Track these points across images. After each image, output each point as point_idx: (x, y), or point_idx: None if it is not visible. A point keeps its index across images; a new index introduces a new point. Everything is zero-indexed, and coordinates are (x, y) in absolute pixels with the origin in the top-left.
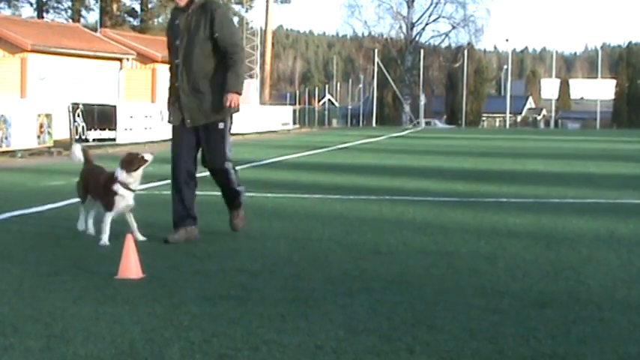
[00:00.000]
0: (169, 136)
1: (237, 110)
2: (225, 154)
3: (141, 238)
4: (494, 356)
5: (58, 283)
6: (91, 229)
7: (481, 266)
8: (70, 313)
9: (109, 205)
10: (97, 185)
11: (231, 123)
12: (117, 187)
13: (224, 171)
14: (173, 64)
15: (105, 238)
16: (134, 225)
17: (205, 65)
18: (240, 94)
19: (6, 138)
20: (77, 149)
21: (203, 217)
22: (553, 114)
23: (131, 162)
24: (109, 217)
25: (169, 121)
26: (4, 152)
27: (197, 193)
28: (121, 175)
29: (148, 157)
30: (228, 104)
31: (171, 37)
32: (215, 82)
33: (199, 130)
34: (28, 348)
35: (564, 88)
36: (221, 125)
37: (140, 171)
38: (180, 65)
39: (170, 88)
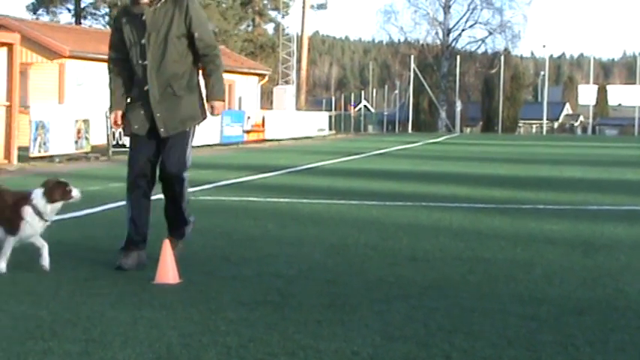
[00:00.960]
0: (204, 141)
1: (205, 117)
2: (185, 160)
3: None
4: None
5: (96, 287)
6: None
7: (518, 273)
8: (108, 317)
9: (12, 230)
10: (3, 206)
11: (194, 131)
12: (26, 212)
13: (181, 180)
14: (135, 64)
15: (2, 265)
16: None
17: (180, 66)
18: (223, 100)
19: (44, 143)
20: None
21: (239, 223)
22: (590, 120)
23: (55, 191)
24: (10, 242)
25: (133, 130)
26: (42, 157)
27: (234, 199)
28: (38, 200)
29: (76, 194)
30: (215, 113)
31: (133, 35)
32: (189, 84)
33: (162, 139)
34: (67, 352)
35: (602, 94)
36: (188, 128)
37: (60, 204)
38: (149, 67)
39: (115, 90)
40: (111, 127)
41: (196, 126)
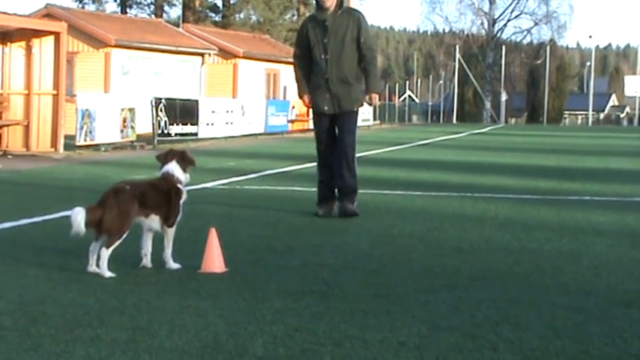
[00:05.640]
0: (249, 131)
1: (363, 103)
2: (355, 134)
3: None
4: (579, 355)
5: (143, 276)
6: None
7: (565, 264)
8: (154, 305)
9: (173, 219)
10: (156, 196)
11: (358, 114)
12: (183, 192)
13: (352, 148)
14: (318, 58)
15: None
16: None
17: (352, 61)
18: (379, 93)
19: (90, 132)
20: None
21: (285, 212)
22: (637, 112)
23: (189, 157)
24: (172, 236)
25: (316, 107)
26: (88, 146)
27: (279, 188)
28: (181, 174)
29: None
30: (373, 102)
31: (317, 36)
32: (357, 75)
33: (339, 115)
34: (115, 339)
35: None
36: (355, 108)
37: None
38: (330, 61)
39: (302, 79)
40: (156, 116)
41: (359, 109)
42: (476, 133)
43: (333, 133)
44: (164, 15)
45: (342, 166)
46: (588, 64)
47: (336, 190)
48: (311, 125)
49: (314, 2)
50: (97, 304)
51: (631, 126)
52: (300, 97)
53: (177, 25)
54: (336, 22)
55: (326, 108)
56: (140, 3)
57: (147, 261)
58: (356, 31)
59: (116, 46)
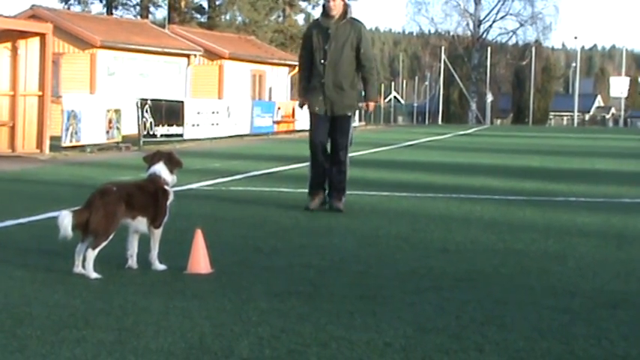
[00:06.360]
0: (235, 132)
1: (358, 109)
2: (349, 137)
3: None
4: (565, 356)
5: (128, 277)
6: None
7: (550, 265)
8: (140, 306)
9: (160, 220)
10: (143, 197)
11: (354, 118)
12: (170, 193)
13: (345, 150)
14: (318, 63)
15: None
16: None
17: (349, 69)
18: (376, 101)
19: (76, 133)
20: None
21: (270, 213)
22: (622, 112)
23: (176, 159)
24: (158, 237)
25: (313, 110)
26: (74, 147)
27: (264, 189)
28: (168, 175)
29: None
30: (371, 110)
31: (319, 42)
32: (352, 82)
33: (334, 118)
34: (100, 341)
35: (634, 86)
36: (349, 113)
37: None
38: (327, 66)
39: (302, 81)
40: (141, 117)
41: (355, 113)
42: (461, 134)
43: (326, 134)
44: (149, 16)
45: (333, 165)
46: (574, 65)
47: (327, 189)
48: (296, 126)
49: (321, 7)
50: (82, 306)
51: (616, 127)
52: (299, 97)
53: (163, 26)
54: (339, 31)
55: (317, 109)
56: (126, 4)
57: (132, 262)
58: (356, 42)
59: (102, 47)
